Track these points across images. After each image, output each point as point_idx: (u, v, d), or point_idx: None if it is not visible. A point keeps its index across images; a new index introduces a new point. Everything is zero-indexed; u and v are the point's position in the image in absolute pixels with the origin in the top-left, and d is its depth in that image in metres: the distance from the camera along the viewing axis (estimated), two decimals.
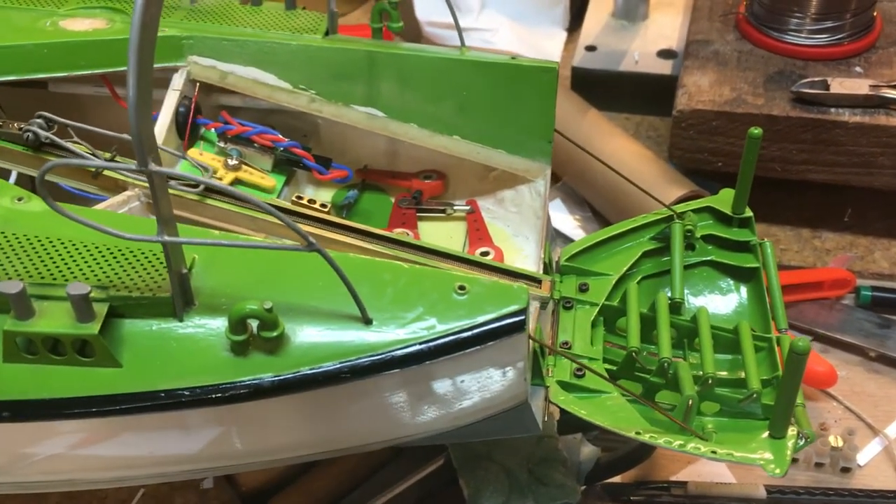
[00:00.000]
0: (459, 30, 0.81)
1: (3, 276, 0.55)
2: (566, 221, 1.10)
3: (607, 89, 1.24)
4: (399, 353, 0.54)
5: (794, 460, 0.87)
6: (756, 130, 0.76)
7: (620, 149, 1.06)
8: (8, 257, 0.56)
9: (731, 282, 0.82)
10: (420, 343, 0.54)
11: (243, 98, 0.82)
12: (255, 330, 0.53)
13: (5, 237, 0.57)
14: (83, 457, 0.60)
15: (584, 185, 1.10)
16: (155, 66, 0.79)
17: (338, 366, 0.54)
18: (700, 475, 0.86)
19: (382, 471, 0.84)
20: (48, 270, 0.55)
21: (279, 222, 0.70)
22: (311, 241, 0.50)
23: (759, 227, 1.08)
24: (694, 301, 0.81)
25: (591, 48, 1.26)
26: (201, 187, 0.67)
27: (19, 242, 0.57)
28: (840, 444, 0.86)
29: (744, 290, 0.81)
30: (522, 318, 0.55)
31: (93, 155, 0.67)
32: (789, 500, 0.83)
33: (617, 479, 0.86)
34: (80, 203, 0.70)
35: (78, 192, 0.72)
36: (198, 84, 0.78)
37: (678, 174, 1.04)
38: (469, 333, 0.55)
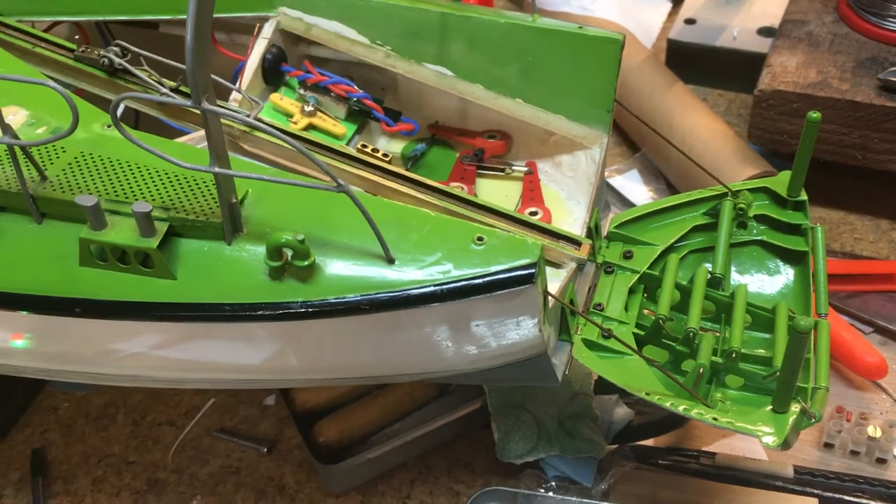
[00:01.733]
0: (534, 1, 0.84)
1: (85, 191, 0.63)
2: (640, 192, 1.11)
3: (703, 63, 1.24)
4: (414, 292, 0.59)
5: (830, 445, 0.87)
6: (815, 115, 0.76)
7: (699, 124, 1.07)
8: (91, 175, 0.64)
9: (780, 263, 0.83)
10: (434, 285, 0.59)
11: (329, 49, 0.88)
12: (289, 258, 0.60)
13: (92, 157, 0.66)
14: (145, 356, 0.68)
15: (661, 157, 1.11)
16: (247, 14, 0.87)
17: (359, 298, 0.60)
18: (733, 449, 0.88)
19: (424, 408, 0.90)
20: (122, 189, 0.63)
21: (345, 167, 0.77)
22: (339, 182, 0.56)
23: (837, 213, 1.08)
24: (740, 278, 0.82)
25: (690, 21, 1.26)
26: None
27: (102, 163, 0.65)
28: (878, 434, 0.86)
29: (791, 272, 0.82)
30: (532, 271, 0.59)
31: (159, 83, 0.74)
32: (818, 482, 0.84)
33: (650, 442, 0.89)
34: (175, 135, 0.79)
35: (176, 126, 0.81)
36: (266, 32, 0.84)
37: (754, 154, 1.04)
38: (480, 281, 0.59)
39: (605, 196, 0.92)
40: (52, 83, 0.55)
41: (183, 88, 0.76)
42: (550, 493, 0.82)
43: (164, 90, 0.73)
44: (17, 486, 0.89)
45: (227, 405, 0.95)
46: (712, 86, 1.25)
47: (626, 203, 1.10)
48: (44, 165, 0.64)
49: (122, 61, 0.75)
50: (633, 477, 0.85)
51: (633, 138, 1.16)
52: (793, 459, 0.86)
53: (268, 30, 0.85)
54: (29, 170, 0.63)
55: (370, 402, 0.90)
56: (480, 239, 0.61)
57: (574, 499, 0.81)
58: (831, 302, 0.99)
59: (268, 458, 0.90)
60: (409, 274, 0.60)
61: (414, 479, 0.88)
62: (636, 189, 1.11)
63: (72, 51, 0.78)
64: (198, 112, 0.53)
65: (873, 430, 0.87)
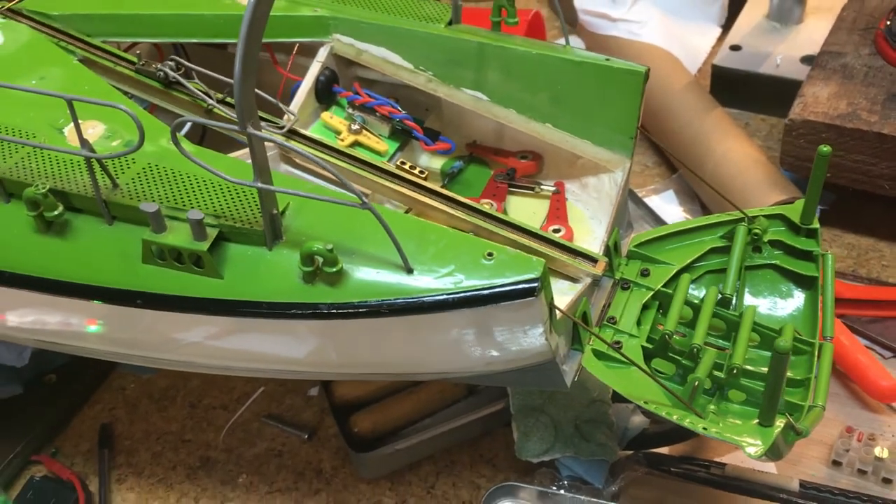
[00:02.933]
0: (566, 32, 0.91)
1: (150, 198, 0.72)
2: (675, 212, 1.16)
3: (746, 89, 1.27)
4: (429, 299, 0.66)
5: (838, 463, 0.91)
6: (825, 149, 0.81)
7: (733, 149, 1.11)
8: (156, 184, 0.73)
9: (792, 286, 0.87)
10: (447, 294, 0.66)
11: (377, 73, 0.96)
12: (320, 265, 0.67)
13: (157, 169, 0.75)
14: (198, 344, 0.77)
15: (695, 179, 1.15)
16: (304, 40, 0.96)
17: (380, 302, 0.67)
18: (743, 461, 0.93)
19: (452, 406, 0.97)
20: (181, 197, 0.72)
21: (384, 181, 0.85)
22: (364, 200, 0.64)
23: (867, 240, 1.11)
24: (754, 299, 0.87)
25: (735, 47, 1.30)
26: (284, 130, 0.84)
27: (165, 174, 0.74)
28: (885, 455, 0.89)
29: (802, 295, 0.86)
30: (535, 285, 0.66)
31: (206, 94, 0.84)
32: (824, 497, 0.88)
33: (665, 450, 0.94)
34: (237, 145, 0.87)
35: (239, 139, 0.90)
36: (320, 56, 0.93)
37: (784, 179, 1.07)
38: (487, 292, 0.66)
39: (628, 217, 0.98)
40: (122, 107, 0.64)
41: (228, 100, 0.85)
42: (562, 491, 0.88)
43: (210, 101, 0.83)
44: (86, 456, 0.99)
45: (275, 394, 1.04)
46: (755, 110, 1.29)
47: (660, 222, 1.14)
48: (116, 175, 0.74)
49: (175, 74, 0.85)
50: (643, 482, 0.90)
51: (672, 160, 1.21)
52: (801, 475, 0.90)
53: (322, 54, 0.94)
54: (103, 178, 0.73)
55: (403, 397, 0.97)
56: (490, 254, 0.67)
57: (584, 498, 0.86)
58: (853, 325, 1.02)
59: (308, 444, 0.99)
60: (425, 283, 0.67)
61: (439, 471, 0.95)
62: (671, 209, 1.16)
63: (133, 63, 0.88)
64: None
65: (881, 451, 0.90)
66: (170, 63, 0.87)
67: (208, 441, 1.00)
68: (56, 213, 0.73)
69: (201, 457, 0.98)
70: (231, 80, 0.84)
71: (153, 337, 0.79)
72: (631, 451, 0.93)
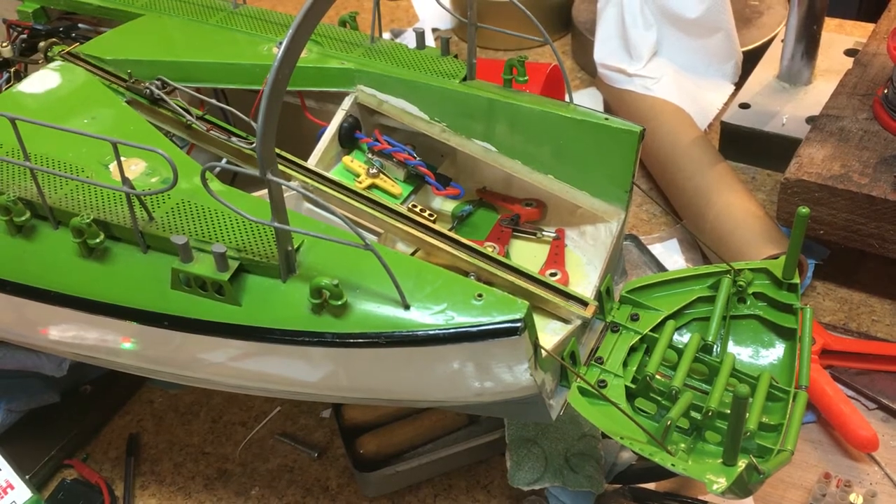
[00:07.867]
0: (570, 91, 0.98)
1: (180, 231, 0.81)
2: (677, 260, 1.22)
3: (753, 145, 1.33)
4: (422, 333, 0.74)
5: None
6: (804, 210, 0.87)
7: (733, 203, 1.17)
8: (187, 218, 0.82)
9: (774, 337, 0.93)
10: (439, 329, 0.73)
11: (396, 121, 1.04)
12: (327, 298, 0.75)
13: (189, 204, 0.83)
14: (218, 365, 0.85)
15: (697, 230, 1.21)
16: (331, 89, 1.04)
17: (378, 333, 0.74)
18: (725, 501, 0.98)
19: (453, 433, 1.04)
20: (207, 231, 0.80)
21: (394, 222, 0.92)
22: (366, 242, 0.71)
23: (859, 295, 1.16)
24: (736, 348, 0.93)
25: (744, 105, 1.36)
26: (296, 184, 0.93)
27: (196, 209, 0.83)
28: (859, 501, 0.94)
29: (782, 346, 0.92)
30: (518, 325, 0.72)
31: (186, 111, 0.95)
32: None
33: (651, 485, 1.00)
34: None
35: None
36: (345, 105, 1.01)
37: (780, 234, 1.13)
38: (475, 329, 0.73)
39: (623, 263, 1.04)
40: (159, 151, 0.73)
41: (208, 117, 0.96)
42: None
43: (189, 118, 0.95)
44: (114, 462, 1.08)
45: (291, 414, 1.11)
46: (761, 166, 1.35)
47: (662, 268, 1.20)
48: (152, 208, 0.82)
49: (160, 93, 0.94)
50: None
51: (677, 210, 1.27)
52: None
53: (347, 103, 1.02)
54: (141, 211, 0.81)
55: (407, 423, 1.04)
56: (480, 295, 0.75)
57: None
58: (841, 377, 1.07)
59: (317, 463, 1.06)
60: (420, 318, 0.74)
61: (437, 493, 1.01)
62: (673, 257, 1.22)
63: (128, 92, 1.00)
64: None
65: (855, 497, 0.95)
66: (156, 82, 0.97)
67: (226, 454, 1.07)
68: (98, 240, 0.81)
69: (219, 469, 1.06)
70: (205, 98, 0.96)
71: (179, 356, 0.87)
72: (618, 485, 0.99)
